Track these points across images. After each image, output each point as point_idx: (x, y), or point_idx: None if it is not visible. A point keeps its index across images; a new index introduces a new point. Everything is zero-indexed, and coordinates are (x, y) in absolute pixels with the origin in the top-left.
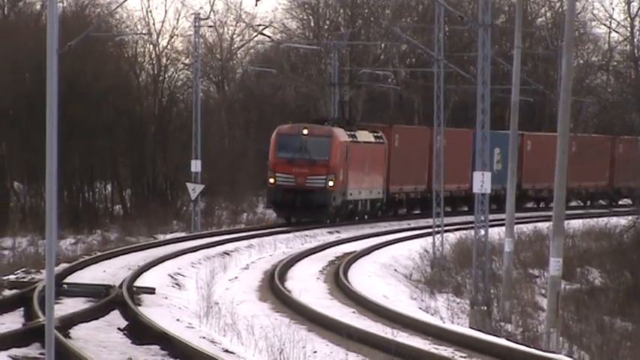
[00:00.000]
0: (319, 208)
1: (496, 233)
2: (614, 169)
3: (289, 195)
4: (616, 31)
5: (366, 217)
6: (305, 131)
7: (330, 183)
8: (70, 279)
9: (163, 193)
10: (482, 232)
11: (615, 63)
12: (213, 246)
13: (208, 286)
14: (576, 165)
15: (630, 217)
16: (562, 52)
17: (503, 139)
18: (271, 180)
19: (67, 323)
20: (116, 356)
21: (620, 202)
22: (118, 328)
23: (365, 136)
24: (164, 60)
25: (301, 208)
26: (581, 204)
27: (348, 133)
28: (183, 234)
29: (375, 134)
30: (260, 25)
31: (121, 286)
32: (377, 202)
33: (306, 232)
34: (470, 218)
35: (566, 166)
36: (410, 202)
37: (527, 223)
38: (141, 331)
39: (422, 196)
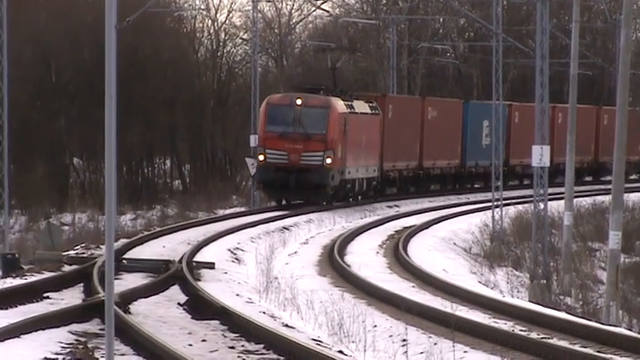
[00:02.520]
0: (316, 188)
1: (555, 207)
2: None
3: (281, 174)
4: None
5: (359, 198)
6: (299, 101)
7: (328, 160)
8: (130, 254)
9: (222, 169)
10: (542, 205)
11: None
12: (273, 221)
13: (268, 260)
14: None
15: None
16: (621, 25)
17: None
18: (261, 157)
19: (127, 299)
20: (176, 331)
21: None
22: (178, 304)
23: (361, 106)
24: (222, 35)
25: (295, 189)
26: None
27: (346, 103)
28: (242, 209)
29: (371, 104)
30: None
31: (180, 261)
32: (372, 180)
33: (366, 207)
34: (525, 192)
35: (624, 141)
36: (402, 180)
37: (586, 196)
38: (201, 306)
39: (414, 173)
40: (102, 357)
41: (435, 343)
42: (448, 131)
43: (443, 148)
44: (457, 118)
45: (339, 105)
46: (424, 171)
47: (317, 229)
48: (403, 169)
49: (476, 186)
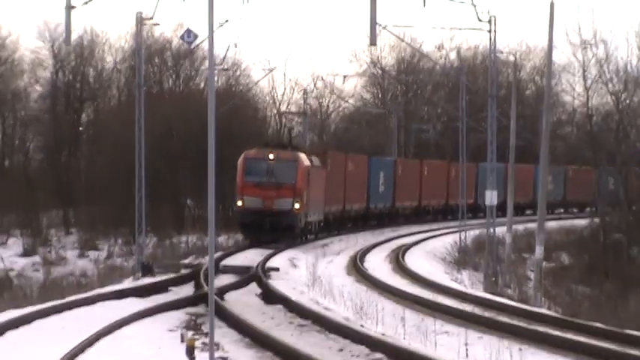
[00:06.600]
0: (286, 230)
1: (500, 231)
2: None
3: (257, 217)
4: (577, 99)
5: (308, 237)
6: (271, 155)
7: (297, 205)
8: (224, 262)
9: None
10: (492, 230)
11: (577, 120)
12: (317, 240)
13: (313, 266)
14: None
15: (586, 220)
16: (543, 113)
17: (386, 165)
18: (239, 203)
19: (223, 291)
20: (254, 312)
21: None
22: (255, 294)
23: (316, 160)
24: (284, 119)
25: (269, 230)
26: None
27: (308, 157)
28: None
29: (321, 159)
30: (346, 96)
31: (257, 266)
32: (320, 222)
33: (376, 231)
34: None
35: (546, 187)
36: (335, 221)
37: (521, 224)
38: (270, 296)
39: (340, 215)
40: (206, 329)
41: (423, 320)
42: (359, 180)
43: (356, 193)
44: (364, 170)
45: (305, 159)
46: (345, 212)
47: (345, 245)
48: (335, 212)
49: (372, 223)
